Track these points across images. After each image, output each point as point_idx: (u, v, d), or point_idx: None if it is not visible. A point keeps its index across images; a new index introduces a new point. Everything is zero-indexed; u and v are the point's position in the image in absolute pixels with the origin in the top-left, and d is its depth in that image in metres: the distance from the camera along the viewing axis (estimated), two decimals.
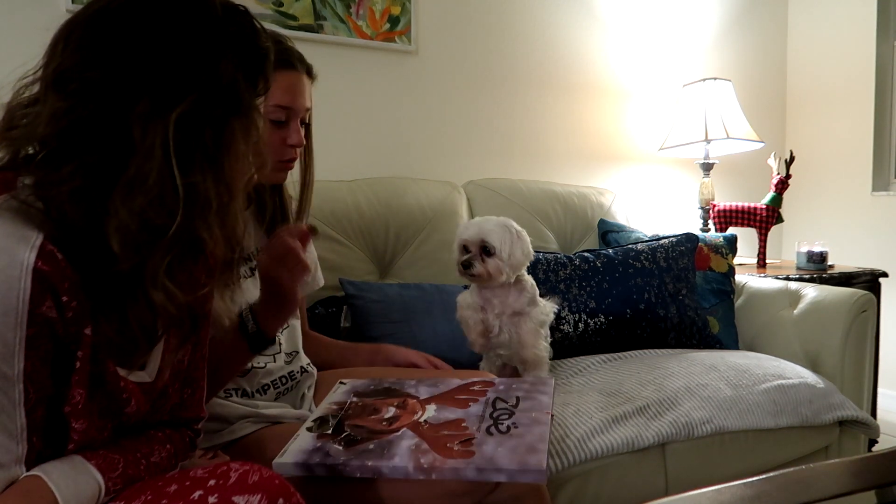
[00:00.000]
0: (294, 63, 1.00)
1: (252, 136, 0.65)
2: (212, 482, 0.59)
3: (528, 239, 1.23)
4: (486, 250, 1.18)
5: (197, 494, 0.57)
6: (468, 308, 1.26)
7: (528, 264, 1.26)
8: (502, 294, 1.24)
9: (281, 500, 0.59)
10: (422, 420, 0.90)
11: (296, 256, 0.83)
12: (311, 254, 1.21)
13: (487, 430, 0.84)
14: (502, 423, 0.85)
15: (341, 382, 1.07)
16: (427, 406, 0.94)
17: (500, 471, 0.75)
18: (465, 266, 1.18)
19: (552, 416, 0.87)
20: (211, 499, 0.57)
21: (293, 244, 0.83)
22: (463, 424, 0.87)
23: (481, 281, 1.19)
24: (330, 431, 0.87)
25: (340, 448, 0.83)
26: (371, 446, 0.83)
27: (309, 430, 0.89)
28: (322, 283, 1.27)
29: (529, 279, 1.29)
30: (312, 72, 1.05)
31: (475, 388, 0.98)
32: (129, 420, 0.67)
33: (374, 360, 1.22)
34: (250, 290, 1.02)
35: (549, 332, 1.33)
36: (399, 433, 0.86)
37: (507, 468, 0.75)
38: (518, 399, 0.92)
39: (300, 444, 0.85)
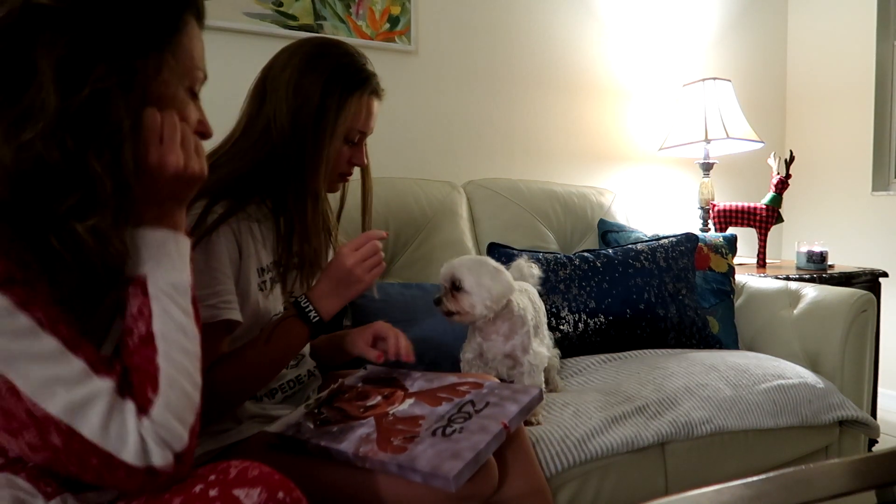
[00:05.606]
0: (379, 92, 1.12)
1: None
2: (212, 477, 0.59)
3: (507, 274, 1.19)
4: (455, 286, 1.15)
5: (198, 488, 0.58)
6: (467, 364, 1.26)
7: (509, 297, 1.19)
8: (493, 338, 1.22)
9: (281, 494, 0.59)
10: (390, 412, 0.92)
11: (379, 258, 0.97)
12: None
13: (433, 432, 0.85)
14: (452, 427, 0.86)
15: (364, 367, 1.13)
16: (407, 399, 0.96)
17: (415, 471, 0.77)
18: (436, 303, 1.17)
19: (506, 426, 0.86)
20: (211, 492, 0.57)
21: (379, 247, 0.97)
22: (420, 422, 0.88)
23: (459, 318, 1.16)
24: (316, 410, 0.95)
25: (311, 427, 0.90)
26: (335, 429, 0.89)
27: (306, 405, 0.99)
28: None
29: (522, 315, 1.22)
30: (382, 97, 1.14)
31: (462, 388, 0.98)
32: None
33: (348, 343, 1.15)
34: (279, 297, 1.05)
35: (547, 360, 1.29)
36: (364, 421, 0.90)
37: (422, 470, 0.77)
38: (487, 404, 0.91)
39: (289, 418, 0.94)
